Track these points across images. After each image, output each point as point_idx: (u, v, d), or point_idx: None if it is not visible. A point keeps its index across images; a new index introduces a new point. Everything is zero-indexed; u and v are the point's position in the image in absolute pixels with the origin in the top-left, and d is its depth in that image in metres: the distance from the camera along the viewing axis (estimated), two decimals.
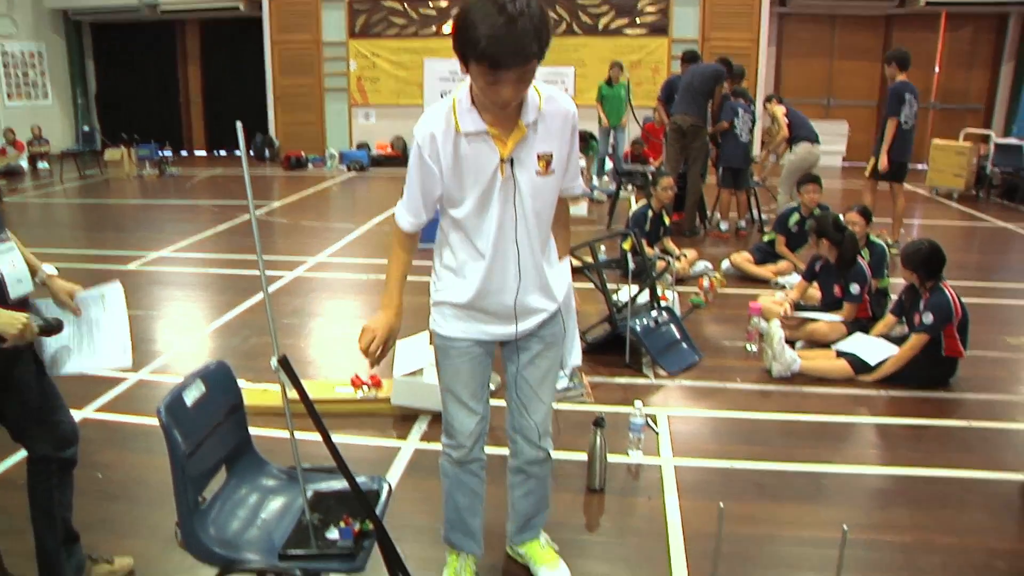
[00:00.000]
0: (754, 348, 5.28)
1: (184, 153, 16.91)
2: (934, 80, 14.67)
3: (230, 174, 14.11)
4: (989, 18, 14.25)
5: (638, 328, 4.93)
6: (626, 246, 5.66)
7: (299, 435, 2.25)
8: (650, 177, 8.19)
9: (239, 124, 2.01)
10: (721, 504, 2.26)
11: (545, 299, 2.60)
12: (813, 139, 8.63)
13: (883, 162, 7.83)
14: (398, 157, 15.10)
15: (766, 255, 7.28)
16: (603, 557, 3.11)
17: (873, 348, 4.91)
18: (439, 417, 2.87)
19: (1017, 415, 4.31)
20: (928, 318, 4.60)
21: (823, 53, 14.81)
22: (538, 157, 2.38)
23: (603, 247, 6.81)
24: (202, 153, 17.14)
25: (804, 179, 7.20)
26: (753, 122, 8.98)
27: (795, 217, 7.15)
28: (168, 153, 14.63)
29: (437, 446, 2.85)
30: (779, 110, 8.80)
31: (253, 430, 2.63)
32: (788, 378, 4.83)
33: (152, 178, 13.63)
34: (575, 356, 2.88)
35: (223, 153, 16.97)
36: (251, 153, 15.65)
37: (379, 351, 2.55)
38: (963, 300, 4.65)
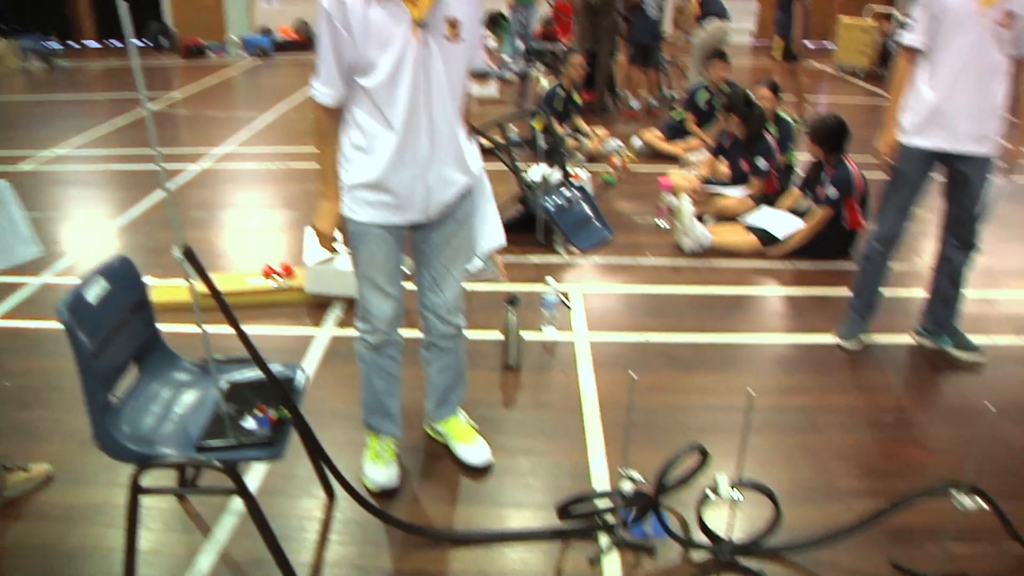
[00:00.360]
0: (665, 224, 5.38)
1: (73, 44, 15.90)
2: None
3: (125, 65, 13.40)
4: None
5: (550, 207, 4.96)
6: (537, 125, 5.62)
7: (211, 328, 2.23)
8: (560, 56, 8.09)
9: (121, 1, 1.88)
10: (633, 375, 2.34)
11: (459, 171, 2.58)
12: (724, 16, 8.61)
13: (799, 46, 7.92)
14: (302, 42, 14.55)
15: (676, 132, 7.34)
16: (520, 432, 3.20)
17: (780, 222, 5.04)
18: (353, 303, 2.87)
19: (910, 282, 4.52)
20: (832, 192, 4.73)
21: None
22: (446, 21, 2.34)
23: (514, 127, 6.78)
24: (93, 44, 16.17)
25: (711, 55, 7.22)
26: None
27: (704, 94, 7.20)
28: (55, 44, 13.77)
29: (353, 332, 2.86)
30: None
31: (165, 327, 2.58)
32: (698, 252, 4.96)
33: (40, 72, 12.86)
34: (495, 238, 2.89)
35: (116, 44, 16.04)
36: (146, 42, 14.86)
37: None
38: (865, 174, 4.78)
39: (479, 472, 2.95)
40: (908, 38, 3.45)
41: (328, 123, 2.50)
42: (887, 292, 3.89)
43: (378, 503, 2.72)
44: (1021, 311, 4.53)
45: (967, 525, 2.73)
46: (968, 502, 2.38)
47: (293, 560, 2.39)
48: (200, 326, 2.20)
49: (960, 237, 3.66)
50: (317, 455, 2.52)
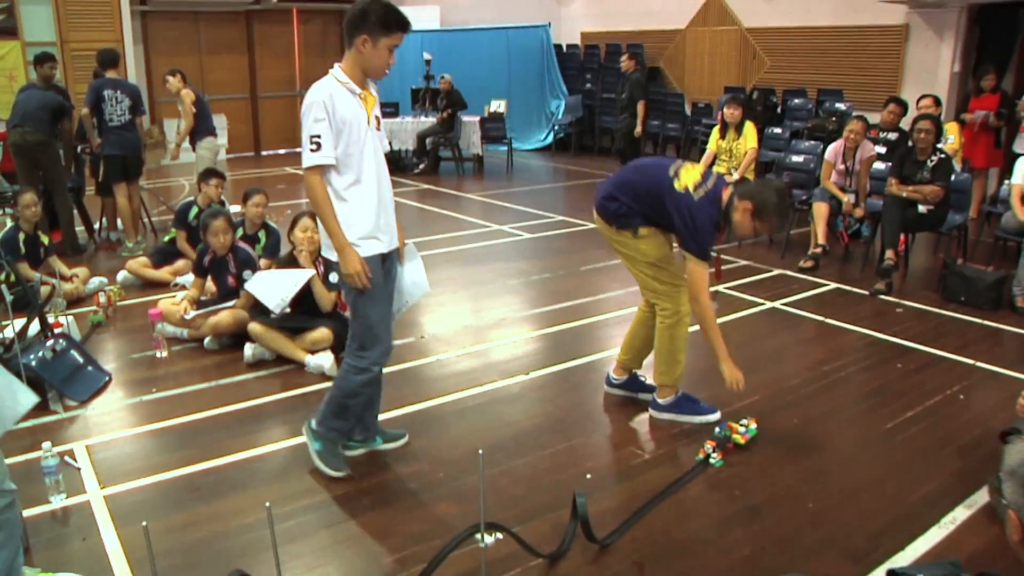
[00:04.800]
0: (164, 354, 5.22)
1: None
2: (296, 67, 15.66)
3: None
4: (333, 13, 15.56)
5: (33, 363, 4.51)
6: None
7: None
8: (9, 196, 7.33)
9: None
10: (144, 523, 2.21)
11: None
12: (215, 132, 8.73)
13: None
14: None
15: (165, 256, 7.08)
16: None
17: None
18: None
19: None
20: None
21: (191, 49, 14.68)
22: None
23: None
24: None
25: (206, 174, 7.19)
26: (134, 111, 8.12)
27: (195, 211, 7.02)
28: None
29: None
30: (188, 96, 8.51)
31: None
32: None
33: None
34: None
35: None
36: None
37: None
38: None
39: None
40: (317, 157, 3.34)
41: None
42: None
43: None
44: (503, 357, 5.20)
45: (495, 557, 3.05)
46: (489, 539, 2.65)
47: None
48: None
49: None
50: None
